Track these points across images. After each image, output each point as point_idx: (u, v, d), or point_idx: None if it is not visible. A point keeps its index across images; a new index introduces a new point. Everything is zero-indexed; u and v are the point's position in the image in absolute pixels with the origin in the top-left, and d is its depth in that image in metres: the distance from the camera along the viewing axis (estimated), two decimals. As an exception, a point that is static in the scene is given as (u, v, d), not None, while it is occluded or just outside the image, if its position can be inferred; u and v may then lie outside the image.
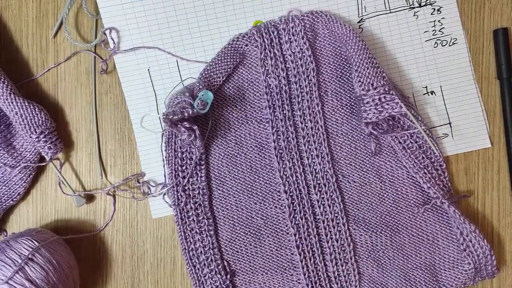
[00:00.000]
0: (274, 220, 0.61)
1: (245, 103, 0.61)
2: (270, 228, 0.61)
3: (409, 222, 0.61)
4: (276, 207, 0.61)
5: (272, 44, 0.60)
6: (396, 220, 0.61)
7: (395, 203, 0.61)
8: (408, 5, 0.63)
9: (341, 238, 0.61)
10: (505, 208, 0.63)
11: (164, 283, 0.62)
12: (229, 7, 0.61)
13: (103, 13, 0.61)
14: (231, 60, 0.60)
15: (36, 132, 0.58)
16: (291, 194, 0.61)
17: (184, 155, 0.60)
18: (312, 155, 0.61)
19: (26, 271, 0.53)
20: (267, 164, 0.61)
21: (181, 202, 0.60)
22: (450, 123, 0.63)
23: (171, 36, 0.61)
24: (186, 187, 0.60)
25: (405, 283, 0.61)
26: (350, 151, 0.61)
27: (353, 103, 0.61)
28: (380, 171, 0.61)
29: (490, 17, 0.63)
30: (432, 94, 0.63)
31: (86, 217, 0.62)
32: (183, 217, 0.60)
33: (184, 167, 0.60)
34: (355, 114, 0.61)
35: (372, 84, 0.57)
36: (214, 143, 0.61)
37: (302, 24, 0.60)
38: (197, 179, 0.60)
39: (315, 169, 0.61)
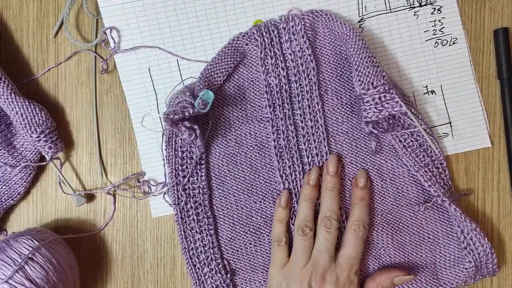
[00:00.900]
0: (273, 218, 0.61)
1: (245, 102, 0.61)
2: (270, 227, 0.61)
3: (410, 220, 0.61)
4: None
5: (272, 43, 0.60)
6: (397, 218, 0.61)
7: (396, 201, 0.61)
8: (409, 4, 0.63)
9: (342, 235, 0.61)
10: (505, 207, 0.63)
11: (164, 283, 0.62)
12: (230, 6, 0.61)
13: (104, 13, 0.61)
14: (232, 59, 0.60)
15: (36, 131, 0.58)
16: (290, 192, 0.61)
17: (184, 155, 0.60)
18: (312, 153, 0.61)
19: (26, 271, 0.53)
20: (267, 163, 0.61)
21: (181, 201, 0.60)
22: (450, 122, 0.63)
23: (171, 35, 0.61)
24: (187, 187, 0.60)
25: None
26: (351, 149, 0.61)
27: (353, 102, 0.61)
28: (380, 170, 0.61)
29: (490, 17, 0.63)
30: (432, 93, 0.63)
31: (86, 216, 0.62)
32: (183, 216, 0.60)
33: (184, 167, 0.60)
34: (355, 113, 0.61)
35: (372, 83, 0.57)
36: (214, 142, 0.61)
37: (302, 23, 0.60)
38: (197, 179, 0.60)
39: None
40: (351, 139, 0.61)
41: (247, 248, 0.61)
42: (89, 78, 0.62)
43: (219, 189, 0.61)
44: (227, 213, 0.61)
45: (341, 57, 0.61)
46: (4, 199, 0.60)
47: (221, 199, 0.61)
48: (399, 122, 0.60)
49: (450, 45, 0.63)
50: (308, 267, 0.57)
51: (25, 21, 0.62)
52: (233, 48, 0.60)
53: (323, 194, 0.59)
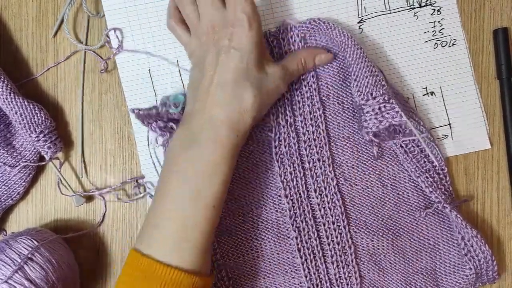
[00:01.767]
0: (275, 224, 0.61)
1: None
2: (272, 232, 0.61)
3: (411, 226, 0.61)
4: (277, 211, 0.61)
5: (272, 53, 0.60)
6: (397, 224, 0.61)
7: (396, 206, 0.61)
8: (408, 5, 0.63)
9: (342, 241, 0.61)
10: (505, 208, 0.63)
11: (164, 283, 0.62)
12: None
13: (107, 13, 0.61)
14: None
15: (35, 131, 0.57)
16: (291, 198, 0.60)
17: None
18: (313, 159, 0.61)
19: (26, 271, 0.53)
20: (268, 169, 0.61)
21: None
22: (450, 124, 0.63)
23: (172, 36, 0.61)
24: None
25: (406, 287, 0.61)
26: (352, 154, 0.61)
27: (355, 107, 0.61)
28: (382, 175, 0.61)
29: (490, 17, 0.64)
30: (432, 95, 0.63)
31: (86, 216, 0.62)
32: None
33: None
34: (357, 117, 0.61)
35: (371, 94, 0.57)
36: None
37: (302, 33, 0.60)
38: None
39: (315, 173, 0.61)
40: (352, 143, 0.61)
41: (248, 253, 0.61)
42: (89, 78, 0.62)
43: None
44: (228, 220, 0.61)
45: (342, 62, 0.61)
46: (4, 199, 0.59)
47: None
48: (400, 128, 0.60)
49: (449, 47, 0.63)
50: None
51: (24, 20, 0.62)
52: None
53: None
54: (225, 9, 0.54)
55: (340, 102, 0.61)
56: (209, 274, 0.53)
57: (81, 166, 0.62)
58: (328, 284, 0.60)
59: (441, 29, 0.63)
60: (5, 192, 0.59)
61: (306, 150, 0.61)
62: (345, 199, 0.61)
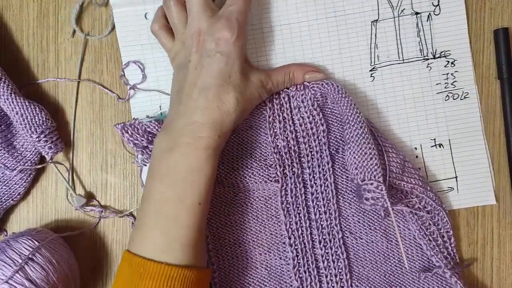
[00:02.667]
0: (278, 272, 0.61)
1: (252, 161, 0.60)
2: (274, 280, 0.61)
3: (413, 283, 0.61)
4: (281, 258, 0.61)
5: (282, 108, 0.60)
6: (399, 280, 0.61)
7: (400, 263, 0.61)
8: (422, 56, 0.62)
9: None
10: (505, 208, 0.63)
11: (164, 283, 0.62)
12: None
13: (123, 49, 0.62)
14: None
15: (36, 132, 0.58)
16: (296, 247, 0.60)
17: None
18: (319, 211, 0.60)
19: (26, 271, 0.53)
20: (273, 215, 0.61)
21: None
22: (456, 177, 0.63)
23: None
24: None
25: None
26: (359, 208, 0.61)
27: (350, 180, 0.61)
28: (387, 230, 0.61)
29: (490, 17, 0.63)
30: (440, 146, 0.63)
31: (86, 216, 0.62)
32: None
33: None
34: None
35: (363, 180, 0.57)
36: (220, 191, 0.61)
37: (312, 91, 0.59)
38: None
39: (321, 225, 0.60)
40: None
41: None
42: (89, 78, 0.62)
43: (224, 238, 0.61)
44: (231, 263, 0.61)
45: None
46: (4, 199, 0.60)
47: (226, 248, 0.61)
48: (406, 195, 0.60)
49: (461, 99, 0.63)
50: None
51: (25, 21, 0.62)
52: None
53: None
54: (214, 18, 0.55)
55: None
56: (205, 265, 0.55)
57: (68, 181, 0.62)
58: None
59: (454, 81, 0.62)
60: (5, 192, 0.60)
61: (313, 202, 0.60)
62: (349, 253, 0.61)
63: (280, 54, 0.62)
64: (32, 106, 0.58)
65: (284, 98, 0.60)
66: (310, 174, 0.60)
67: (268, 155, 0.61)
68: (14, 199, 0.60)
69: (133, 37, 0.62)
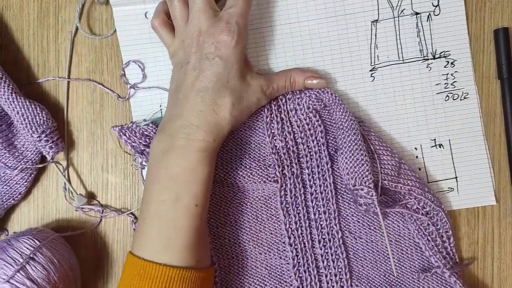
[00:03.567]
0: (278, 271, 0.61)
1: (251, 161, 0.61)
2: (274, 279, 0.61)
3: (412, 282, 0.61)
4: (281, 257, 0.61)
5: (279, 109, 0.60)
6: (399, 280, 0.61)
7: (399, 262, 0.61)
8: (422, 56, 0.63)
9: None
10: (505, 208, 0.63)
11: (165, 283, 0.62)
12: None
13: (123, 48, 0.62)
14: None
15: (37, 131, 0.58)
16: (295, 247, 0.60)
17: None
18: (319, 211, 0.61)
19: (28, 270, 0.53)
20: (273, 215, 0.61)
21: None
22: (456, 177, 0.63)
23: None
24: None
25: None
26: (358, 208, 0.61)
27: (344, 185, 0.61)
28: (387, 230, 0.61)
29: (490, 17, 0.63)
30: (440, 147, 0.63)
31: (87, 216, 0.62)
32: None
33: None
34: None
35: (354, 185, 0.57)
36: (220, 191, 0.61)
37: (308, 95, 0.59)
38: None
39: (321, 225, 0.61)
40: None
41: None
42: (89, 78, 0.62)
43: (224, 238, 0.61)
44: (231, 263, 0.61)
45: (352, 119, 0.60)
46: (5, 198, 0.60)
47: (226, 248, 0.61)
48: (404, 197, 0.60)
49: (461, 100, 0.63)
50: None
51: (26, 21, 0.62)
52: None
53: None
54: (215, 19, 0.54)
55: None
56: (208, 265, 0.55)
57: (66, 184, 0.62)
58: None
59: (454, 81, 0.63)
60: (7, 192, 0.60)
61: (312, 202, 0.61)
62: (349, 252, 0.61)
63: (280, 54, 0.62)
64: (32, 106, 0.58)
65: (281, 99, 0.60)
66: (309, 175, 0.60)
67: (267, 155, 0.61)
68: (15, 198, 0.60)
69: (133, 36, 0.62)
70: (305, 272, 0.61)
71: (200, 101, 0.53)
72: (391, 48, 0.63)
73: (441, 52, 0.63)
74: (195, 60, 0.54)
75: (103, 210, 0.62)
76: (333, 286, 0.61)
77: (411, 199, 0.59)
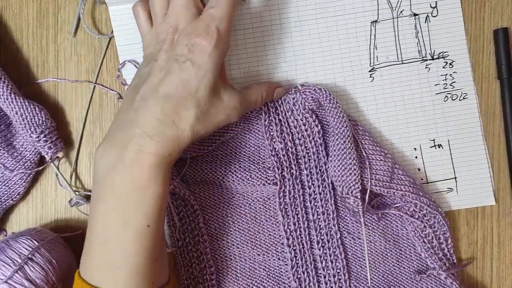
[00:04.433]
0: (276, 272, 0.61)
1: (250, 164, 0.60)
2: (273, 280, 0.61)
3: (411, 283, 0.61)
4: (279, 259, 0.61)
5: (276, 111, 0.60)
6: (398, 280, 0.61)
7: (398, 263, 0.61)
8: (421, 57, 0.63)
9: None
10: (505, 208, 0.63)
11: (164, 283, 0.62)
12: (244, 65, 0.62)
13: (119, 48, 0.61)
14: (235, 124, 0.60)
15: (36, 131, 0.58)
16: (294, 248, 0.60)
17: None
18: (317, 211, 0.61)
19: (26, 271, 0.53)
20: (271, 216, 0.61)
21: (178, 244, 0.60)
22: (455, 178, 0.63)
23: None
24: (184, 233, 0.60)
25: None
26: None
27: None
28: (385, 230, 0.61)
29: (490, 17, 0.63)
30: (439, 147, 0.63)
31: (87, 216, 0.62)
32: (185, 264, 0.60)
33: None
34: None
35: (342, 193, 0.58)
36: (218, 192, 0.61)
37: (304, 96, 0.59)
38: (194, 226, 0.60)
39: (319, 225, 0.61)
40: None
41: None
42: (89, 78, 0.62)
43: (222, 239, 0.61)
44: (230, 264, 0.61)
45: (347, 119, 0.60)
46: (4, 199, 0.59)
47: (224, 249, 0.61)
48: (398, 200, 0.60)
49: (460, 100, 0.63)
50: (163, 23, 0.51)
51: (25, 21, 0.62)
52: None
53: None
54: (197, 18, 0.49)
55: None
56: (165, 282, 0.50)
57: (73, 170, 0.62)
58: None
59: (452, 82, 0.63)
60: (5, 192, 0.59)
61: (311, 203, 0.61)
62: (348, 253, 0.61)
63: (280, 55, 0.62)
64: (31, 106, 0.57)
65: (277, 101, 0.60)
66: (307, 175, 0.60)
67: (266, 158, 0.61)
68: (14, 199, 0.60)
69: (130, 35, 0.61)
70: (303, 273, 0.61)
71: (160, 108, 0.46)
72: (390, 49, 0.63)
73: (440, 53, 0.63)
74: (164, 60, 0.48)
75: None
76: (331, 287, 0.60)
77: (407, 202, 0.59)
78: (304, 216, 0.60)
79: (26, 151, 0.59)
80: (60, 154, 0.61)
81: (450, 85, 0.63)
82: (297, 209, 0.60)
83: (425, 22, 0.63)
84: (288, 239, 0.60)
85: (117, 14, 0.61)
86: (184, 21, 0.49)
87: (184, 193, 0.58)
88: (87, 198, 0.61)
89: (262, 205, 0.61)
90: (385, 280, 0.61)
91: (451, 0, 0.63)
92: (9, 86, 0.57)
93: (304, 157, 0.60)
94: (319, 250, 0.60)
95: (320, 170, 0.60)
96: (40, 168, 0.60)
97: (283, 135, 0.60)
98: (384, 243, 0.61)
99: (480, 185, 0.63)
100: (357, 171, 0.57)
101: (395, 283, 0.61)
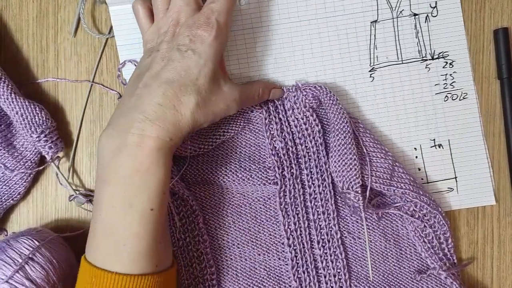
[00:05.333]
0: (277, 272, 0.61)
1: (250, 163, 0.61)
2: (273, 280, 0.61)
3: (411, 283, 0.61)
4: (279, 258, 0.61)
5: (277, 110, 0.60)
6: (398, 280, 0.61)
7: (398, 262, 0.61)
8: (421, 57, 0.63)
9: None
10: (505, 208, 0.63)
11: (165, 283, 0.62)
12: (244, 65, 0.62)
13: (120, 48, 0.61)
14: (236, 123, 0.60)
15: (36, 131, 0.58)
16: (294, 248, 0.60)
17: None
18: (318, 211, 0.61)
19: (27, 271, 0.53)
20: (272, 216, 0.61)
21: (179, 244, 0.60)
22: (456, 177, 0.63)
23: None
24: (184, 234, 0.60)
25: None
26: None
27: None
28: (385, 230, 0.61)
29: (490, 17, 0.64)
30: (439, 147, 0.63)
31: (87, 216, 0.62)
32: (185, 264, 0.59)
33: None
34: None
35: (342, 188, 0.58)
36: (218, 192, 0.61)
37: (304, 93, 0.59)
38: (194, 226, 0.60)
39: (320, 225, 0.61)
40: None
41: None
42: (89, 78, 0.62)
43: (222, 239, 0.61)
44: (230, 264, 0.61)
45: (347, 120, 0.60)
46: (4, 199, 0.59)
47: (224, 249, 0.61)
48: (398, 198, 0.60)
49: (460, 100, 0.63)
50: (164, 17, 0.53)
51: (25, 21, 0.62)
52: (238, 113, 0.60)
53: None
54: (196, 13, 0.51)
55: None
56: (168, 265, 0.51)
57: (71, 169, 0.62)
58: None
59: (453, 82, 0.63)
60: (6, 192, 0.59)
61: (311, 202, 0.61)
62: (348, 252, 0.61)
63: (280, 55, 0.62)
64: (32, 106, 0.57)
65: (278, 100, 0.60)
66: (308, 175, 0.60)
67: (267, 157, 0.61)
68: (14, 198, 0.60)
69: (130, 35, 0.61)
70: (304, 272, 0.61)
71: (162, 93, 0.48)
72: (390, 48, 0.63)
73: (440, 53, 0.63)
74: (166, 50, 0.50)
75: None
76: (332, 287, 0.60)
77: (407, 201, 0.59)
78: (305, 216, 0.60)
79: (27, 151, 0.59)
80: (60, 154, 0.61)
81: (450, 85, 0.63)
82: (298, 209, 0.60)
83: (425, 22, 0.63)
84: (288, 238, 0.60)
85: (117, 14, 0.61)
86: (185, 15, 0.51)
87: (184, 193, 0.58)
88: (87, 197, 0.61)
89: (263, 204, 0.61)
90: (385, 280, 0.61)
91: (451, 0, 0.63)
92: (9, 86, 0.57)
93: (305, 156, 0.60)
94: (320, 249, 0.60)
95: (320, 169, 0.60)
96: (41, 168, 0.60)
97: (283, 134, 0.60)
98: (384, 243, 0.61)
99: (480, 185, 0.63)
100: (357, 166, 0.57)
101: (395, 282, 0.61)
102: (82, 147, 0.62)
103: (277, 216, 0.61)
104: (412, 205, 0.59)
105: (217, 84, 0.51)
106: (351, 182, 0.57)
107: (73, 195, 0.61)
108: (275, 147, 0.60)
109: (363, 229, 0.61)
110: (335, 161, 0.58)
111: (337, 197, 0.61)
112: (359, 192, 0.57)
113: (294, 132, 0.60)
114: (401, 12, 0.63)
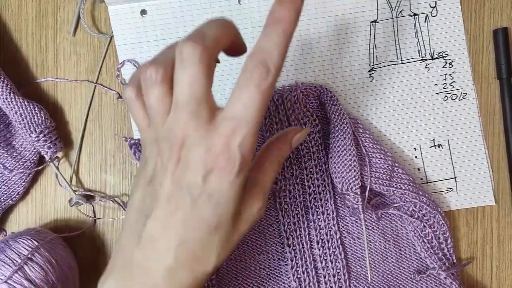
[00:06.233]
0: (276, 272, 0.61)
1: None
2: (273, 280, 0.61)
3: (411, 283, 0.61)
4: (279, 259, 0.61)
5: (277, 110, 0.60)
6: (397, 280, 0.61)
7: (398, 262, 0.61)
8: (420, 57, 0.63)
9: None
10: (505, 208, 0.63)
11: (164, 283, 0.62)
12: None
13: (119, 48, 0.61)
14: None
15: (35, 131, 0.57)
16: (294, 248, 0.60)
17: None
18: (317, 211, 0.60)
19: (26, 271, 0.53)
20: (271, 216, 0.61)
21: None
22: (455, 177, 0.63)
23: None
24: None
25: None
26: None
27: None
28: (385, 230, 0.61)
29: (490, 17, 0.64)
30: (439, 147, 0.63)
31: (86, 216, 0.62)
32: None
33: None
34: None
35: (342, 189, 0.58)
36: None
37: (305, 93, 0.59)
38: None
39: (319, 225, 0.60)
40: None
41: None
42: (88, 78, 0.62)
43: None
44: (229, 264, 0.61)
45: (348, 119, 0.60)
46: (3, 199, 0.59)
47: None
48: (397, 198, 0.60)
49: (459, 100, 0.63)
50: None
51: (24, 20, 0.62)
52: None
53: None
54: (210, 127, 0.36)
55: None
56: None
57: (73, 169, 0.62)
58: None
59: (452, 82, 0.63)
60: (5, 192, 0.59)
61: (311, 202, 0.60)
62: (347, 253, 0.61)
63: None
64: (31, 106, 0.57)
65: (277, 100, 0.60)
66: (307, 175, 0.60)
67: None
68: (13, 199, 0.60)
69: (129, 35, 0.61)
70: (303, 273, 0.60)
71: (173, 257, 0.38)
72: (389, 48, 0.63)
73: (439, 53, 0.63)
74: (172, 190, 0.37)
75: (93, 207, 0.62)
76: (331, 287, 0.60)
77: (406, 201, 0.59)
78: (304, 216, 0.60)
79: (26, 151, 0.59)
80: (59, 154, 0.61)
81: (450, 84, 0.63)
82: (297, 209, 0.60)
83: (425, 22, 0.63)
84: (288, 238, 0.60)
85: (117, 13, 0.61)
86: (194, 133, 0.36)
87: None
88: (87, 197, 0.61)
89: None
90: (385, 280, 0.61)
91: (450, 0, 0.63)
92: (9, 86, 0.57)
93: (304, 156, 0.60)
94: (319, 250, 0.60)
95: (320, 169, 0.60)
96: (40, 168, 0.60)
97: None
98: (384, 243, 0.61)
99: (479, 185, 0.63)
100: (357, 168, 0.57)
101: (395, 283, 0.61)
102: (82, 147, 0.62)
103: (276, 216, 0.61)
104: (411, 205, 0.59)
105: (239, 217, 0.40)
106: (350, 184, 0.57)
107: (71, 199, 0.61)
108: None
109: (363, 228, 0.61)
110: (334, 163, 0.58)
111: (337, 197, 0.61)
112: (358, 193, 0.57)
113: None
114: (400, 12, 0.63)
